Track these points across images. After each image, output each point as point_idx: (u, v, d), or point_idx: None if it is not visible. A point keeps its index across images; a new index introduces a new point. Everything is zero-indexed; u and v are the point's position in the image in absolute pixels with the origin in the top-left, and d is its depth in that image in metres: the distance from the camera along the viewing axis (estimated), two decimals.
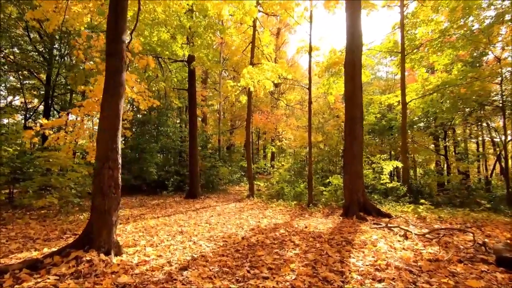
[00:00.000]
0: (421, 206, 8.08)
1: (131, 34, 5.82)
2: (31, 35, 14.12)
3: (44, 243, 4.65)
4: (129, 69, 12.09)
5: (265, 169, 21.63)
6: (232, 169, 18.81)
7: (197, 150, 12.80)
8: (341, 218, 7.69)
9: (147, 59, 7.34)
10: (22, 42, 14.29)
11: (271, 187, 12.91)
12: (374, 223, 6.67)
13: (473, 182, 15.17)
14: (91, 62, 9.30)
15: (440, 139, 16.84)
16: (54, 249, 4.07)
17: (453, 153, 17.43)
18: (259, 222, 7.04)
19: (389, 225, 5.95)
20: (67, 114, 6.73)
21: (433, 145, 16.74)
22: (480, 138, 20.57)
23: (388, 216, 7.50)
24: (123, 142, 15.29)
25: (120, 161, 4.07)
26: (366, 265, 3.66)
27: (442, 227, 6.08)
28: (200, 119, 23.03)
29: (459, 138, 17.53)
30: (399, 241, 4.87)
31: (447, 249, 4.34)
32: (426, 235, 5.10)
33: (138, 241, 4.76)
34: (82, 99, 11.75)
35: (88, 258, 3.43)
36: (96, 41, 6.91)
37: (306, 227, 6.35)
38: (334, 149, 14.43)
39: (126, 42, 4.31)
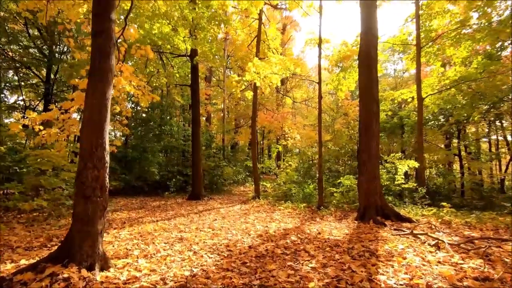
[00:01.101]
0: (444, 210, 7.39)
1: (125, 19, 5.25)
2: (30, 31, 13.71)
3: (24, 252, 4.09)
4: (129, 63, 11.57)
5: (270, 169, 20.99)
6: (237, 169, 18.22)
7: (200, 149, 12.23)
8: (356, 222, 7.04)
9: (145, 49, 6.76)
10: (21, 38, 13.90)
11: (278, 188, 12.28)
12: (394, 229, 6.01)
13: (486, 183, 14.40)
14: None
15: (453, 138, 16.06)
16: (33, 261, 3.50)
17: (465, 153, 16.60)
18: (267, 227, 6.43)
19: (414, 232, 5.28)
20: (59, 108, 6.16)
21: (443, 145, 15.96)
22: (493, 137, 19.71)
23: (409, 220, 6.83)
24: (124, 141, 14.81)
25: (107, 159, 3.48)
26: (401, 285, 3.02)
27: (473, 234, 5.41)
28: (204, 118, 22.51)
29: (472, 137, 16.71)
30: (431, 252, 4.21)
31: (491, 263, 3.67)
32: (461, 245, 4.43)
33: (131, 250, 4.17)
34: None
35: (65, 275, 2.85)
36: (88, 25, 6.36)
37: (319, 233, 5.72)
38: (344, 148, 13.74)
39: (115, 20, 3.71)
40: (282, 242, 4.92)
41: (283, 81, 21.29)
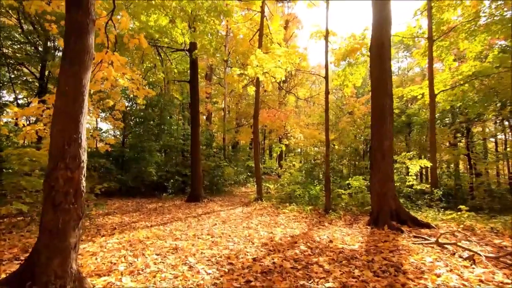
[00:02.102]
0: (464, 214, 6.77)
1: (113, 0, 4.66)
2: (25, 27, 13.15)
3: None
4: (129, 61, 10.99)
5: (272, 170, 20.39)
6: (238, 169, 17.62)
7: (200, 149, 11.63)
8: (368, 228, 6.44)
9: (139, 38, 6.17)
10: (14, 33, 13.34)
11: (281, 189, 11.68)
12: (414, 236, 5.41)
13: (493, 184, 13.77)
14: None
15: (462, 137, 15.45)
16: None
17: (472, 152, 15.97)
18: (271, 233, 5.83)
19: (440, 241, 4.67)
20: (42, 103, 5.58)
21: (451, 144, 15.34)
22: (500, 136, 19.10)
23: (427, 226, 6.23)
24: (122, 140, 14.23)
25: (84, 158, 2.90)
26: None
27: (505, 243, 4.80)
28: (204, 117, 21.92)
29: (479, 136, 16.08)
30: (466, 267, 3.61)
31: None
32: (501, 259, 3.82)
33: (116, 264, 3.58)
34: None
35: None
36: None
37: (331, 241, 5.12)
38: (350, 147, 13.13)
39: None
40: (290, 252, 4.32)
41: (285, 79, 20.69)
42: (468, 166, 15.31)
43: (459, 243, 4.47)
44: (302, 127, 18.03)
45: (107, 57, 5.52)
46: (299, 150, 24.56)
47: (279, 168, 17.71)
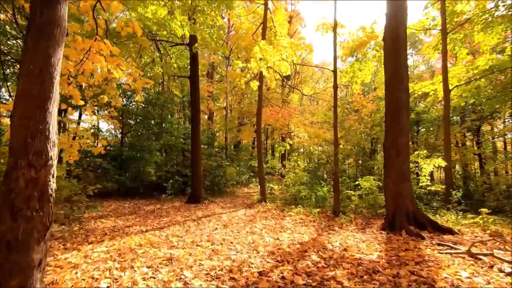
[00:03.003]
0: (489, 217, 6.19)
1: None
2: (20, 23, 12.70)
3: None
4: (125, 55, 10.49)
5: (274, 170, 19.82)
6: (240, 169, 17.06)
7: (200, 147, 11.09)
8: (383, 233, 5.88)
9: (133, 26, 5.65)
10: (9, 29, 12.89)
11: (286, 190, 11.12)
12: (437, 244, 4.84)
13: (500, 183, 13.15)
14: None
15: (473, 136, 14.84)
16: None
17: (483, 152, 15.33)
18: (278, 239, 5.28)
19: (472, 251, 4.10)
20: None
21: (455, 142, 14.72)
22: (510, 135, 18.44)
23: (449, 231, 5.65)
24: (121, 139, 13.73)
25: (54, 154, 2.36)
26: None
27: None
28: (206, 116, 21.40)
29: (488, 135, 15.44)
30: None
31: None
32: None
33: (98, 281, 3.05)
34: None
35: None
36: None
37: (345, 250, 4.57)
38: (357, 147, 12.56)
39: None
40: (301, 264, 3.77)
41: (289, 77, 20.14)
42: (479, 166, 14.72)
43: (495, 254, 3.90)
44: (307, 126, 17.45)
45: (96, 44, 5.00)
46: (302, 150, 23.95)
47: (282, 168, 17.15)
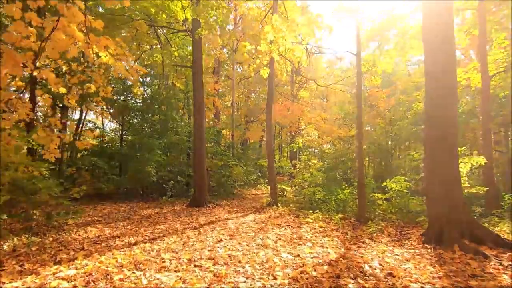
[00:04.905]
0: None
1: None
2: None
3: None
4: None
5: (282, 169, 18.65)
6: (248, 169, 15.95)
7: (204, 144, 10.01)
8: (428, 247, 4.69)
9: None
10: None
11: (299, 192, 9.97)
12: (511, 266, 3.66)
13: None
14: None
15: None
16: None
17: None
18: (298, 256, 4.16)
19: None
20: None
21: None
22: None
23: None
24: (119, 137, 12.78)
25: None
26: None
27: None
28: (212, 115, 20.39)
29: None
30: None
31: None
32: None
33: None
34: None
35: None
36: None
37: (390, 275, 3.42)
38: (378, 144, 11.32)
39: None
40: None
41: (299, 71, 18.96)
42: None
43: None
44: (319, 122, 16.23)
45: (67, 10, 3.93)
46: (313, 148, 22.74)
47: (292, 168, 15.99)
